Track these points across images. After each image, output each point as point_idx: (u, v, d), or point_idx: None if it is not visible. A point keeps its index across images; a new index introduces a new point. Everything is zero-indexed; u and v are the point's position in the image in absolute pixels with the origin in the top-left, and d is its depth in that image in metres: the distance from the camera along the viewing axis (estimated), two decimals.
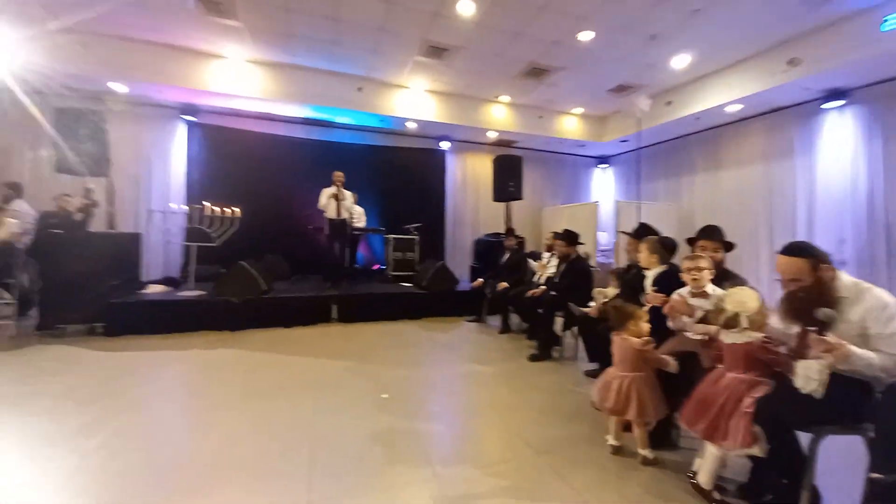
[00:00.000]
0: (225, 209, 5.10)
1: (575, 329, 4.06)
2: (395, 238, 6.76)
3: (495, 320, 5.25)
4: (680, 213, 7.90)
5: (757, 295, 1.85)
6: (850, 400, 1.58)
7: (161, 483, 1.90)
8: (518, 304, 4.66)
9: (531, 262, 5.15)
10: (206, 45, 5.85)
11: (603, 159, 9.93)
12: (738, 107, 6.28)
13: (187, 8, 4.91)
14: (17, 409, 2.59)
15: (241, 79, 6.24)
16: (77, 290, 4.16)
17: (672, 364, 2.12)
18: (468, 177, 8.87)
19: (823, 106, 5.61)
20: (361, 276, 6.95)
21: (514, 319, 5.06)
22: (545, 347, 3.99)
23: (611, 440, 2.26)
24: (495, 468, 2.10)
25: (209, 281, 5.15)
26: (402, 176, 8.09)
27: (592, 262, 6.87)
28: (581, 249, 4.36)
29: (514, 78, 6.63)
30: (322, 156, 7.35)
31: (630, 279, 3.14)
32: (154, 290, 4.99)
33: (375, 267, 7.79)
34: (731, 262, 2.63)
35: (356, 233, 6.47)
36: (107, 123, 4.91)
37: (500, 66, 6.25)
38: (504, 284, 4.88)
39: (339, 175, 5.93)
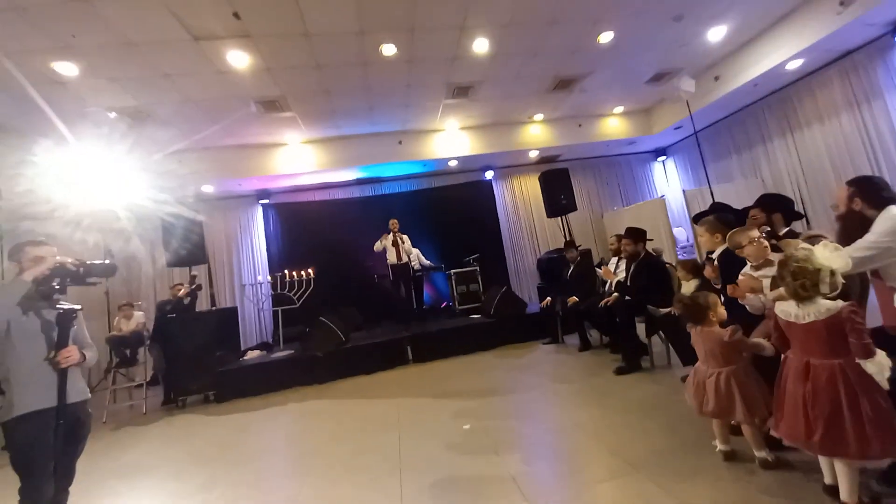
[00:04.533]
0: (300, 273, 5.65)
1: (661, 333, 3.71)
2: (456, 272, 6.85)
3: (573, 339, 4.97)
4: (765, 188, 7.06)
5: (837, 246, 1.53)
6: None
7: None
8: (593, 316, 4.39)
9: (597, 270, 4.89)
10: (268, 137, 6.79)
11: (660, 151, 9.35)
12: (799, 62, 5.65)
13: (251, 112, 5.83)
14: (150, 474, 2.97)
15: (299, 158, 7.08)
16: (192, 364, 4.77)
17: (768, 347, 1.83)
18: (518, 199, 8.86)
19: None
20: (430, 315, 7.07)
21: (595, 335, 4.77)
22: (631, 358, 3.66)
23: (719, 446, 1.98)
24: (594, 489, 1.93)
25: (297, 340, 5.61)
26: (454, 212, 8.31)
27: (670, 260, 6.31)
28: (654, 247, 4.05)
29: (543, 94, 6.69)
30: (377, 208, 7.88)
31: (702, 269, 2.86)
32: (251, 355, 5.55)
33: (444, 304, 7.89)
34: None
35: (418, 273, 6.69)
36: (201, 219, 5.80)
37: (526, 87, 6.37)
38: (574, 299, 4.65)
39: (394, 222, 6.30)
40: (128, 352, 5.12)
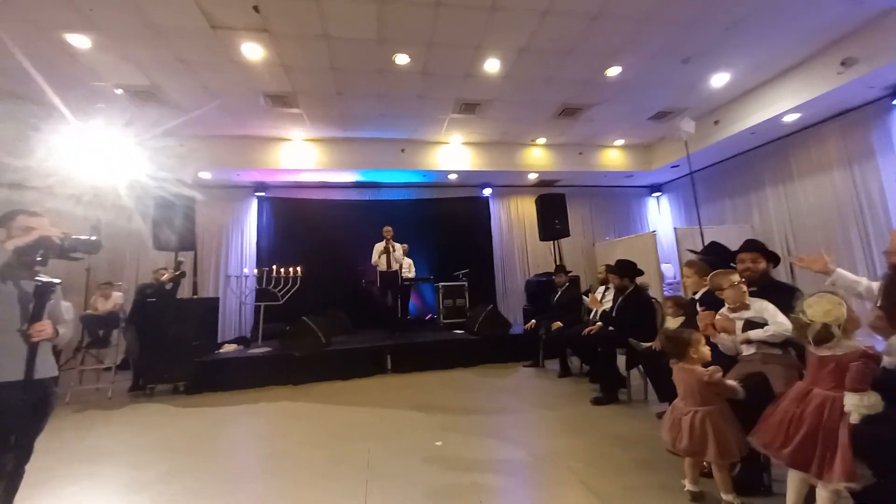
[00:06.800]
0: (288, 269, 5.58)
1: (641, 367, 3.72)
2: (444, 286, 6.84)
3: (554, 364, 4.96)
4: (754, 234, 7.22)
5: (840, 300, 1.63)
6: None
7: None
8: (575, 343, 4.40)
9: (584, 298, 4.92)
10: (273, 131, 6.81)
11: (655, 188, 9.54)
12: (796, 115, 5.86)
13: (259, 105, 5.85)
14: (110, 460, 2.87)
15: (301, 155, 7.10)
16: (167, 352, 4.65)
17: (740, 391, 1.87)
18: (513, 219, 8.93)
19: None
20: (414, 326, 7.03)
21: (575, 362, 4.77)
22: (609, 389, 3.67)
23: (688, 486, 1.97)
24: None
25: (276, 338, 5.52)
26: (449, 225, 8.35)
27: (656, 295, 6.38)
28: (641, 281, 4.08)
29: (548, 119, 6.82)
30: (373, 214, 7.88)
31: (693, 307, 2.90)
32: (228, 349, 5.45)
33: (428, 317, 7.86)
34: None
35: (406, 283, 6.66)
36: (195, 205, 5.73)
37: (533, 111, 6.49)
38: (558, 324, 4.66)
39: (388, 230, 6.25)
40: (101, 332, 4.99)
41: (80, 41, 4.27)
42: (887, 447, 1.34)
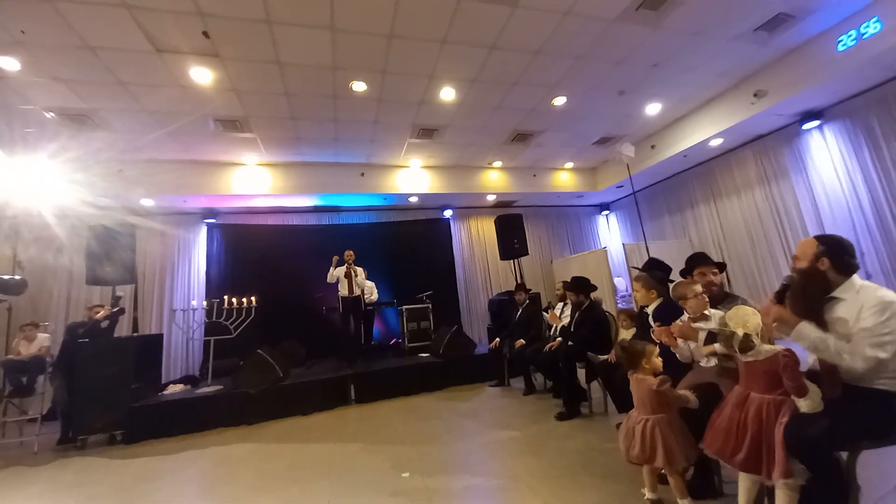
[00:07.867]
0: (241, 300, 5.29)
1: (600, 380, 3.85)
2: (407, 309, 6.77)
3: (519, 382, 5.01)
4: (692, 248, 7.82)
5: (754, 310, 1.79)
6: (881, 411, 1.46)
7: None
8: (537, 360, 4.48)
9: (545, 314, 5.05)
10: (224, 156, 6.58)
11: (604, 206, 10.13)
12: (720, 140, 6.54)
13: (209, 129, 5.66)
14: None
15: (255, 180, 6.89)
16: (101, 398, 4.19)
17: (692, 400, 1.98)
18: (474, 240, 9.10)
19: (803, 127, 5.80)
20: (378, 351, 6.86)
21: (540, 379, 4.84)
22: (571, 404, 3.75)
23: (647, 494, 2.05)
24: None
25: (228, 375, 5.17)
26: (410, 247, 8.35)
27: (610, 308, 6.68)
28: (595, 295, 4.27)
29: (502, 144, 7.12)
30: (333, 238, 7.72)
31: (642, 320, 3.07)
32: (173, 389, 5.02)
33: (393, 341, 7.71)
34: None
35: (369, 308, 6.53)
36: (136, 234, 5.33)
37: (487, 136, 6.76)
38: (521, 342, 4.74)
39: (349, 253, 6.15)
40: (24, 379, 4.45)
41: (8, 63, 3.98)
42: (811, 442, 1.47)
